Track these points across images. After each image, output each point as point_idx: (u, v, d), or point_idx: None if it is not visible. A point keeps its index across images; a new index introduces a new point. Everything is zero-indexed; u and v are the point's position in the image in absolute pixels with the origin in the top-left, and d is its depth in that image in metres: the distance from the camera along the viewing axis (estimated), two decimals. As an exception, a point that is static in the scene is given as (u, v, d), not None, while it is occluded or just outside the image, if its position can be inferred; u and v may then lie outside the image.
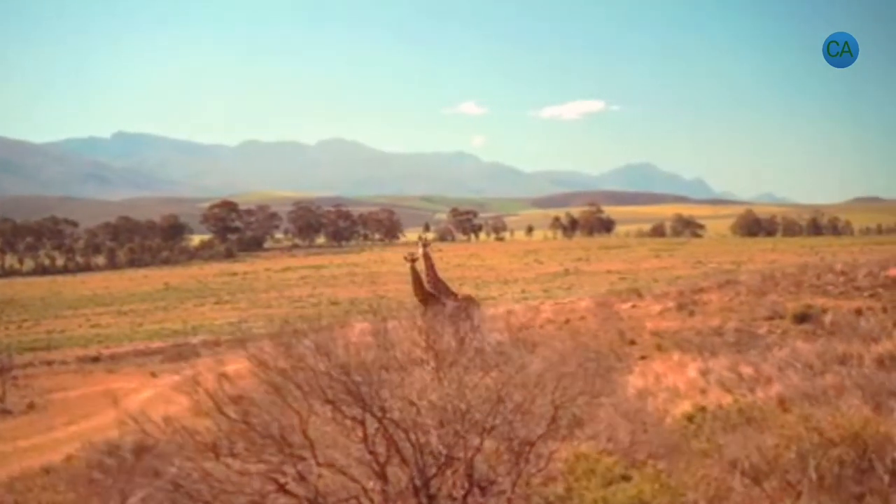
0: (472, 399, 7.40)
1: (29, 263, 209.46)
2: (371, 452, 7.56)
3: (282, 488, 7.41)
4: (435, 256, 28.89)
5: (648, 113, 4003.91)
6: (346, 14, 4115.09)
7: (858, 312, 28.24)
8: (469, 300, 28.09)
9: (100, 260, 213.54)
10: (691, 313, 33.17)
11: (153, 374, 37.90)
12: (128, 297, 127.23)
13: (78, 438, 22.25)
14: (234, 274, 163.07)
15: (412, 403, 7.46)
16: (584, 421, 8.29)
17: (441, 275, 28.86)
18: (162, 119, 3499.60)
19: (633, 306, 39.76)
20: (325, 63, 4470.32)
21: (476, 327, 25.50)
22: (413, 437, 7.43)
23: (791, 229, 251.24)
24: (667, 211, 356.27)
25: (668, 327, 29.37)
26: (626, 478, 7.63)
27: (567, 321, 37.00)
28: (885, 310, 28.52)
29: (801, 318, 28.02)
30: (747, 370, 16.63)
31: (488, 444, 7.54)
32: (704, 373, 18.26)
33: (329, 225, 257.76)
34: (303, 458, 7.47)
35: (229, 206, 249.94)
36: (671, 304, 37.04)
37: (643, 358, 23.22)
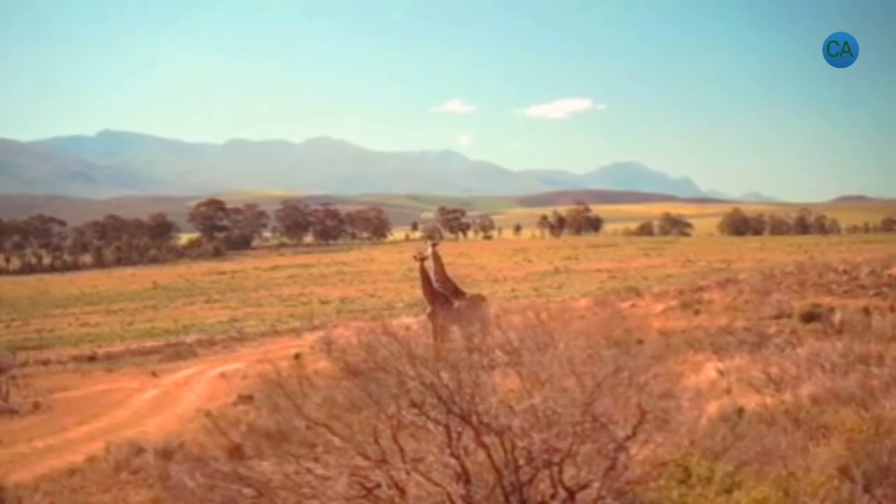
0: (566, 401, 7.31)
1: (15, 262, 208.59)
2: (455, 457, 7.42)
3: (370, 492, 7.28)
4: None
5: (635, 111, 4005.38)
6: (334, 13, 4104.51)
7: (866, 311, 28.17)
8: (478, 299, 28.05)
9: (87, 259, 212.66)
10: (696, 312, 33.11)
11: (154, 374, 37.66)
12: (116, 295, 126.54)
13: (92, 439, 22.07)
14: (223, 273, 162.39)
15: (508, 406, 7.36)
16: (665, 423, 8.19)
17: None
18: (148, 117, 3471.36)
19: (633, 305, 39.77)
20: (311, 61, 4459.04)
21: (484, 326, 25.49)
22: (507, 441, 7.32)
23: (778, 228, 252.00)
24: (654, 210, 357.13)
25: (675, 326, 29.26)
26: (737, 484, 7.51)
27: (568, 321, 36.81)
28: (892, 309, 28.46)
29: (809, 317, 27.94)
30: (772, 369, 16.54)
31: (578, 447, 7.43)
32: (724, 372, 18.16)
33: (317, 223, 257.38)
34: (388, 462, 7.33)
35: (217, 205, 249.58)
36: (673, 302, 37.04)
37: (655, 358, 23.08)
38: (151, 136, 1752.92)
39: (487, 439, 7.35)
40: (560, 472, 7.37)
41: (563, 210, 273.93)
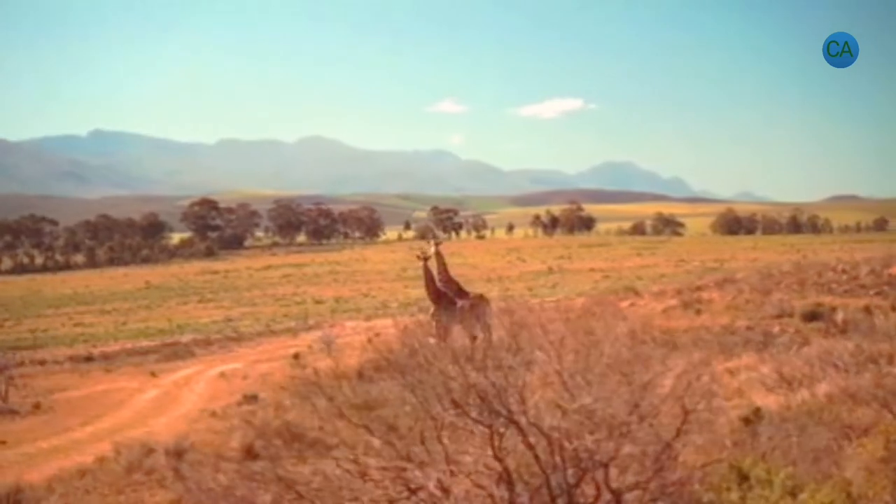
0: (614, 402, 7.21)
1: (7, 262, 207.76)
2: (498, 459, 7.31)
3: (413, 494, 7.17)
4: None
5: (626, 111, 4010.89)
6: (326, 12, 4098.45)
7: (867, 310, 28.16)
8: (481, 299, 27.92)
9: (79, 258, 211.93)
10: (698, 312, 33.01)
11: (153, 374, 37.54)
12: (109, 295, 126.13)
13: (98, 439, 21.97)
14: (216, 272, 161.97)
15: (557, 406, 7.26)
16: (708, 423, 8.10)
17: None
18: (139, 117, 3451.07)
19: (632, 305, 39.63)
20: (304, 61, 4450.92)
21: (487, 325, 25.42)
22: (555, 443, 7.21)
23: (771, 227, 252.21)
24: (646, 209, 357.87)
25: (678, 326, 29.17)
26: (798, 487, 7.39)
27: (567, 320, 36.67)
28: (894, 308, 28.46)
29: (811, 316, 27.92)
30: (784, 369, 16.45)
31: (624, 448, 7.33)
32: (733, 372, 18.09)
33: (309, 223, 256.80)
34: (431, 463, 7.21)
35: (209, 205, 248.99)
36: (673, 302, 36.93)
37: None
38: (143, 136, 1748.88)
39: (534, 440, 7.25)
40: (606, 473, 7.27)
41: (555, 209, 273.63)
